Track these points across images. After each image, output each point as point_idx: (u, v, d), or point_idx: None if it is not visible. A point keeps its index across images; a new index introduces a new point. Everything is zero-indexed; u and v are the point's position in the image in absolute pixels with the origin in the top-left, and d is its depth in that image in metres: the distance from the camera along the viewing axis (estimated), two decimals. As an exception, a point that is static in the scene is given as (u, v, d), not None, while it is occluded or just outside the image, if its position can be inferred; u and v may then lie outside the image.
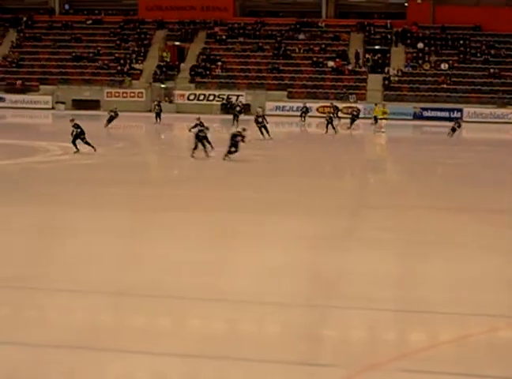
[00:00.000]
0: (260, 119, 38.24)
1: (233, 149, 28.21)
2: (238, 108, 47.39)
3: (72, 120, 30.55)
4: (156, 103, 49.32)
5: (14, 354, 9.91)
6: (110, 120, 43.07)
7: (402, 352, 10.29)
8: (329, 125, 42.30)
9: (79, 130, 29.94)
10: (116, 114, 43.32)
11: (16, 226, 17.61)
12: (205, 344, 10.36)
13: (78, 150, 30.14)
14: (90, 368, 9.53)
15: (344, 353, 10.18)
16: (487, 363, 9.89)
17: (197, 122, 30.32)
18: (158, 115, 47.48)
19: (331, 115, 44.25)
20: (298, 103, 56.65)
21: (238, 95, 55.81)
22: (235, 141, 28.36)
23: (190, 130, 31.25)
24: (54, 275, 13.52)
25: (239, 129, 30.20)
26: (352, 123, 45.60)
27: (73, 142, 30.05)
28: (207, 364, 9.79)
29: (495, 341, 10.93)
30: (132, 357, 9.93)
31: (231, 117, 49.50)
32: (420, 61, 61.20)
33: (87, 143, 30.15)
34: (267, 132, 37.78)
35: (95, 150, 30.06)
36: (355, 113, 47.08)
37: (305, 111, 51.37)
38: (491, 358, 10.15)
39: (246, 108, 56.91)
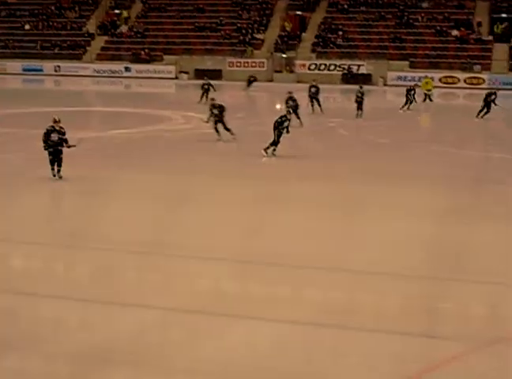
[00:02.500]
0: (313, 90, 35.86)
1: None
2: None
3: None
4: (205, 81, 40.43)
5: (142, 316, 10.35)
6: (250, 83, 47.60)
7: (524, 328, 10.16)
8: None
9: None
10: (255, 79, 47.86)
11: (140, 192, 18.18)
12: (324, 313, 10.52)
13: None
14: (212, 332, 9.85)
15: (465, 327, 10.14)
16: None
17: (289, 96, 29.90)
18: (204, 94, 39.02)
19: None
20: (420, 73, 55.67)
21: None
22: None
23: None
24: (180, 241, 13.96)
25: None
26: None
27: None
28: (325, 332, 9.96)
29: None
30: (253, 323, 10.21)
31: (351, 87, 49.21)
32: (550, 29, 59.04)
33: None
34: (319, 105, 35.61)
35: None
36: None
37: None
38: None
39: (367, 78, 56.48)
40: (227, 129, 25.75)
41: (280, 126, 22.70)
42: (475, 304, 11.14)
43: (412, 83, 44.19)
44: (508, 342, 9.60)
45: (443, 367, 8.94)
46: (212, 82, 40.21)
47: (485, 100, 34.44)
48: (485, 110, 34.28)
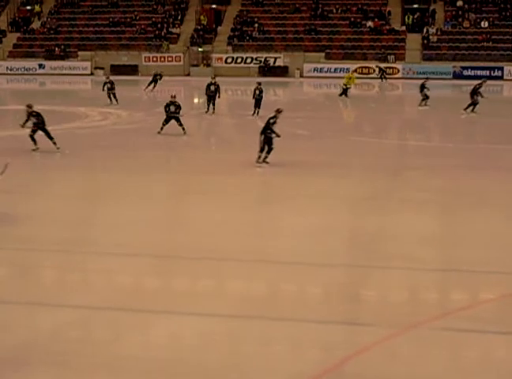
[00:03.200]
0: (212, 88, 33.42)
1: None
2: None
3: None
4: (107, 80, 37.79)
5: (61, 316, 10.16)
6: (155, 82, 44.20)
7: (443, 311, 10.35)
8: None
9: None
10: (161, 77, 44.79)
11: (59, 191, 17.89)
12: (247, 305, 10.53)
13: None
14: (136, 329, 9.74)
15: (385, 312, 10.27)
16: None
17: (171, 101, 26.35)
18: (112, 95, 36.96)
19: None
20: (336, 65, 56.33)
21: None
22: None
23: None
24: (99, 238, 13.77)
25: None
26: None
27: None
28: (249, 324, 9.96)
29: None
30: (176, 318, 10.13)
31: (268, 79, 49.47)
32: (460, 20, 60.28)
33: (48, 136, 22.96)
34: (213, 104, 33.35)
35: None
36: None
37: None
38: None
39: (284, 70, 57.03)
40: (50, 138, 22.80)
41: (268, 130, 20.26)
42: (394, 290, 11.29)
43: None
44: (427, 325, 9.76)
45: (367, 353, 9.04)
46: (112, 78, 38.48)
47: (473, 93, 33.04)
48: (474, 102, 32.94)
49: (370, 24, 60.15)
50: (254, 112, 31.94)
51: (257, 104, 32.31)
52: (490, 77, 53.74)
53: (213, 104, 32.94)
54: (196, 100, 42.81)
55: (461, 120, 32.05)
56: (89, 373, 8.65)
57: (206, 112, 32.79)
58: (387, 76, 54.10)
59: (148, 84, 44.25)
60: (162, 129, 26.25)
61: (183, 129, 26.10)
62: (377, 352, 9.07)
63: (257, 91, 32.47)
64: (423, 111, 35.37)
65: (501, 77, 53.05)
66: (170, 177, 19.59)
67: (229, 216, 15.32)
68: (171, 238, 13.91)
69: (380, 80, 53.83)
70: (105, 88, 36.84)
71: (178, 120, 26.16)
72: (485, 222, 14.82)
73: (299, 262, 12.34)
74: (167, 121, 26.16)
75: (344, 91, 41.18)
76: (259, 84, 33.06)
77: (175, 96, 26.67)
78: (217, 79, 34.69)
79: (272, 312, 10.25)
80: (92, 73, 59.67)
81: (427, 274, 11.92)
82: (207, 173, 19.92)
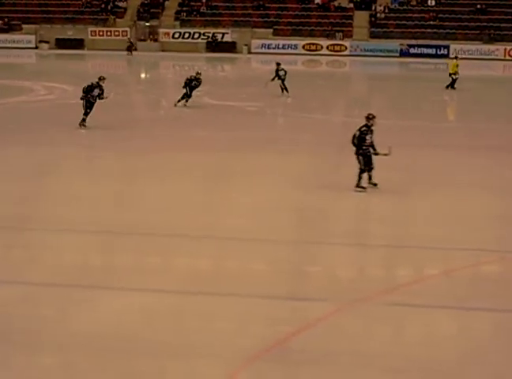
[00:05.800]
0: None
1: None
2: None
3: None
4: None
5: (6, 293, 10.00)
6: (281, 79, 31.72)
7: (389, 286, 10.41)
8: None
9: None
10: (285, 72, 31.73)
11: (3, 167, 17.58)
12: (193, 280, 10.48)
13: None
14: (81, 305, 9.64)
15: (332, 288, 10.31)
16: (472, 296, 10.06)
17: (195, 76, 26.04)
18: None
19: None
20: (284, 41, 56.26)
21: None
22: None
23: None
24: (44, 215, 13.58)
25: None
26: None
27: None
28: (194, 300, 9.91)
29: (480, 274, 11.11)
30: (121, 294, 10.05)
31: (216, 55, 49.25)
32: (407, -2, 60.63)
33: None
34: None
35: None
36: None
37: None
38: (475, 290, 10.33)
39: (231, 46, 56.76)
40: None
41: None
42: (341, 266, 11.34)
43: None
44: (372, 301, 9.82)
45: (312, 329, 9.06)
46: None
47: None
48: None
49: (318, 0, 60.08)
50: (182, 99, 26.90)
51: (190, 92, 27.05)
52: (436, 55, 54.31)
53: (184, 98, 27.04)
54: (143, 75, 42.41)
55: (410, 98, 32.25)
56: (35, 350, 8.54)
57: (175, 105, 27.21)
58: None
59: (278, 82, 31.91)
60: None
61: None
62: (322, 328, 9.10)
63: (191, 81, 27.05)
64: (369, 88, 35.49)
65: (447, 55, 53.30)
66: (120, 155, 19.37)
67: (177, 194, 15.20)
68: (118, 214, 13.76)
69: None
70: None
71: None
72: (434, 199, 14.93)
73: (245, 238, 12.32)
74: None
75: (452, 83, 33.56)
76: (198, 73, 27.45)
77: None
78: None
79: (217, 287, 10.22)
80: (36, 47, 58.66)
81: (372, 250, 11.99)
82: (159, 151, 19.75)
